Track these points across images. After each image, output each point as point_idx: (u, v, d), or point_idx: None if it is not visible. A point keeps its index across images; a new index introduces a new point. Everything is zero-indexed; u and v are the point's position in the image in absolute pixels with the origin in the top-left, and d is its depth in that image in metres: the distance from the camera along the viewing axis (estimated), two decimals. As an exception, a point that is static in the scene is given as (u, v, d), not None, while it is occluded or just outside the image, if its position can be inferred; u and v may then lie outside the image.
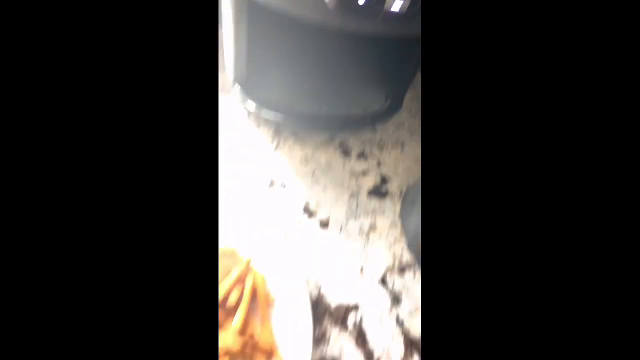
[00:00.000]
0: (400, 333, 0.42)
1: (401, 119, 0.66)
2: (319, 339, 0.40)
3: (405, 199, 0.54)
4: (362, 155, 0.58)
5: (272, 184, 0.51)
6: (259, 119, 0.57)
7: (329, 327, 0.41)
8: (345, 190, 0.53)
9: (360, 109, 0.57)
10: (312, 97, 0.56)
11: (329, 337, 0.41)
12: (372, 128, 0.62)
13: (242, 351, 0.35)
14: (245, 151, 0.54)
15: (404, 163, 0.59)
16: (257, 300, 0.39)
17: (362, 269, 0.46)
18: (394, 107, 0.60)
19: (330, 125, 0.57)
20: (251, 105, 0.53)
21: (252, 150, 0.54)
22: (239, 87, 0.54)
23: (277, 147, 0.55)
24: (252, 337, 0.36)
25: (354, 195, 0.53)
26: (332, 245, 0.47)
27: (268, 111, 0.54)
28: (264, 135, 0.56)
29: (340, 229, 0.49)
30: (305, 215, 0.49)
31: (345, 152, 0.57)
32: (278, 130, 0.57)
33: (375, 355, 0.40)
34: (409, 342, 0.41)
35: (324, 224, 0.49)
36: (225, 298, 0.37)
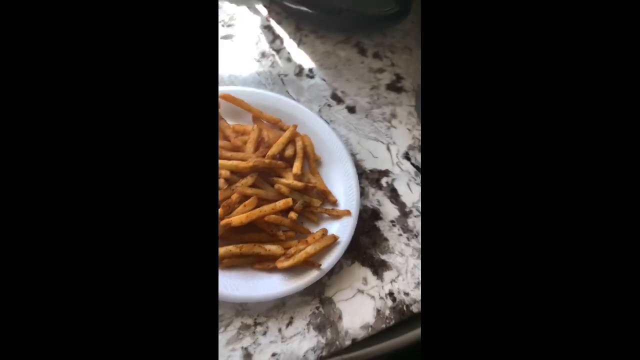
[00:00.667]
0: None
1: (407, 28, 0.70)
2: (360, 193, 0.45)
3: (417, 95, 0.60)
4: (376, 56, 0.62)
5: (300, 72, 0.54)
6: (280, 16, 0.59)
7: (366, 185, 0.47)
8: (366, 83, 0.57)
9: (373, 10, 0.60)
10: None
11: (368, 192, 0.46)
12: (381, 33, 0.66)
13: (304, 190, 0.40)
14: (272, 43, 0.55)
15: (413, 65, 0.64)
16: (307, 158, 0.44)
17: (387, 146, 0.52)
18: (403, 12, 0.64)
19: (346, 24, 0.60)
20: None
21: (277, 43, 0.56)
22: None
23: (300, 42, 0.58)
24: (308, 181, 0.41)
25: (375, 87, 0.57)
26: (361, 126, 0.52)
27: (290, 3, 0.55)
28: (287, 31, 0.58)
29: (366, 115, 0.54)
30: (334, 101, 0.53)
31: (362, 51, 0.61)
32: (299, 27, 0.59)
33: (407, 209, 0.47)
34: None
35: (352, 109, 0.54)
36: (282, 151, 0.41)
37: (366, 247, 0.42)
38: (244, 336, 0.33)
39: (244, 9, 0.57)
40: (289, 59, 0.55)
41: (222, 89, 0.44)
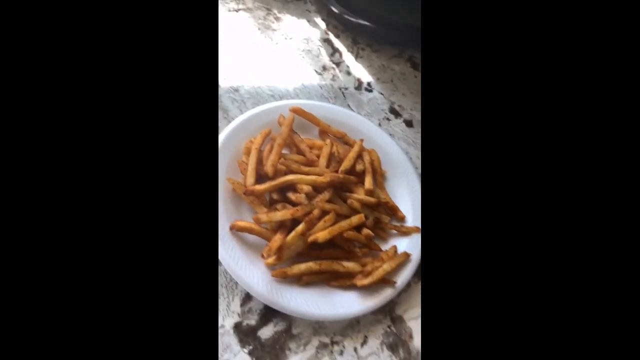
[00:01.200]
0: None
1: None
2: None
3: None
4: (430, 70, 0.62)
5: (359, 85, 0.54)
6: (338, 30, 0.59)
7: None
8: (420, 98, 0.57)
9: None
10: (391, 6, 0.58)
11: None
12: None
13: (374, 206, 0.39)
14: (331, 56, 0.56)
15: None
16: (374, 172, 0.44)
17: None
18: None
19: (402, 38, 0.60)
20: (337, 7, 0.55)
21: (336, 56, 0.56)
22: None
23: (357, 56, 0.58)
24: (379, 197, 0.41)
25: (429, 102, 0.57)
26: (419, 140, 0.52)
27: (350, 16, 0.56)
28: (344, 44, 0.58)
29: (422, 129, 0.54)
30: (393, 115, 0.53)
31: (414, 66, 0.61)
32: (355, 41, 0.59)
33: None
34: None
35: (409, 123, 0.53)
36: (353, 166, 0.41)
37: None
38: (322, 355, 0.33)
39: (303, 22, 0.58)
40: (349, 73, 0.55)
41: (291, 102, 0.44)
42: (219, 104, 0.44)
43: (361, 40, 0.60)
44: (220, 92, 0.45)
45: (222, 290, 0.33)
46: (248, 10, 0.55)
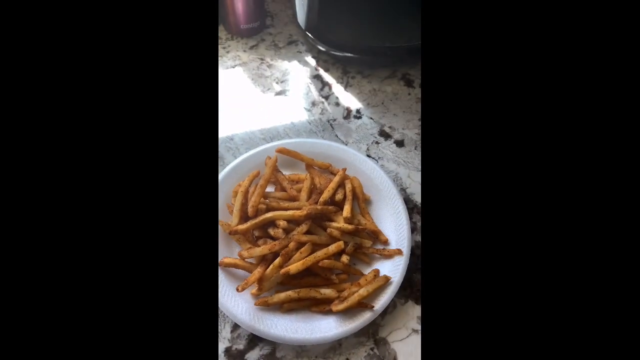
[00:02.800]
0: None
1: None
2: (412, 229, 0.45)
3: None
4: (425, 85, 0.62)
5: (348, 114, 0.57)
6: (328, 63, 0.63)
7: (418, 220, 0.47)
8: (414, 115, 0.58)
9: (418, 41, 0.60)
10: (374, 35, 0.60)
11: (419, 227, 0.46)
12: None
13: (354, 232, 0.42)
14: (321, 91, 0.60)
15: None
16: (357, 199, 0.46)
17: (440, 177, 0.51)
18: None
19: (393, 60, 0.61)
20: (322, 46, 0.60)
21: (326, 90, 0.60)
22: (310, 34, 0.60)
23: (347, 85, 0.61)
24: (359, 223, 0.43)
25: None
26: (410, 159, 0.53)
27: (336, 52, 0.60)
28: (334, 76, 0.62)
29: (415, 146, 0.54)
30: (382, 138, 0.55)
31: (408, 83, 0.62)
32: (346, 70, 0.63)
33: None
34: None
35: (400, 143, 0.55)
36: (332, 196, 0.44)
37: (420, 285, 0.42)
38: (304, 375, 0.36)
39: (294, 63, 0.63)
40: (337, 104, 0.59)
41: (278, 143, 0.50)
42: (217, 153, 0.52)
43: (351, 69, 0.63)
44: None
45: (216, 317, 0.39)
46: (243, 64, 0.62)
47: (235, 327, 0.38)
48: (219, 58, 0.63)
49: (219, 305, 0.37)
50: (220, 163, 0.50)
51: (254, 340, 0.38)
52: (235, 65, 0.62)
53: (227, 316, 0.38)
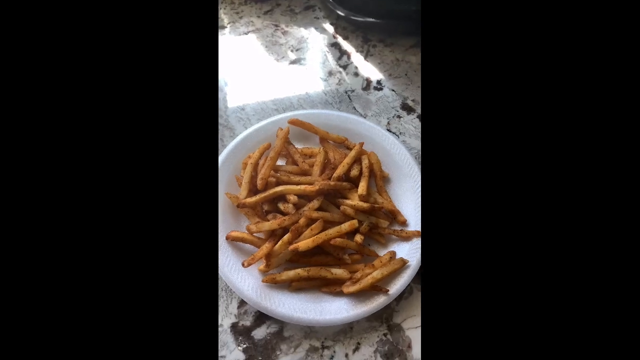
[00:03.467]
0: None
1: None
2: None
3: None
4: (453, 55, 0.57)
5: (368, 85, 0.53)
6: (347, 31, 0.59)
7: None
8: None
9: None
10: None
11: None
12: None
13: (370, 211, 0.39)
14: (338, 60, 0.56)
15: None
16: (374, 176, 0.43)
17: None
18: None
19: (416, 27, 0.56)
20: (342, 11, 0.55)
21: (344, 59, 0.56)
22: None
23: (367, 54, 0.57)
24: (375, 202, 0.40)
25: (450, 91, 0.53)
26: (434, 136, 0.49)
27: (357, 17, 0.55)
28: (353, 45, 0.58)
29: (440, 122, 0.50)
30: (404, 112, 0.51)
31: (436, 54, 0.57)
32: (366, 39, 0.58)
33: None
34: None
35: (424, 118, 0.50)
36: (347, 171, 0.41)
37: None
38: (312, 358, 0.34)
39: (311, 30, 0.59)
40: (356, 74, 0.55)
41: (290, 114, 0.46)
42: (227, 123, 0.49)
43: (373, 37, 0.58)
44: (228, 112, 0.50)
45: (222, 293, 0.37)
46: (257, 30, 0.58)
47: (242, 303, 0.37)
48: (232, 23, 0.59)
49: (225, 280, 0.36)
50: (230, 134, 0.48)
51: (261, 317, 0.36)
52: (249, 32, 0.58)
53: (234, 292, 0.36)
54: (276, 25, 0.59)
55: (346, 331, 0.36)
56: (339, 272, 0.36)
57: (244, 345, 0.35)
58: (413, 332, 0.36)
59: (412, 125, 0.50)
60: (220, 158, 0.42)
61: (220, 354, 0.34)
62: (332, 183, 0.39)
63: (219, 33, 0.57)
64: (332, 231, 0.37)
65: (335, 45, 0.58)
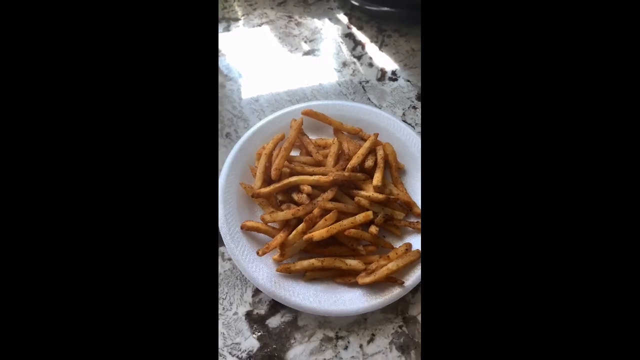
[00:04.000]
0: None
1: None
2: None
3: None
4: (471, 45, 0.55)
5: (383, 76, 0.52)
6: (361, 21, 0.58)
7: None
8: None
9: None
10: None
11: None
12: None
13: (385, 202, 0.38)
14: (353, 50, 0.55)
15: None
16: (389, 167, 0.42)
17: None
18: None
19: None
20: (356, 1, 0.54)
21: (358, 50, 0.55)
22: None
23: (382, 45, 0.56)
24: (390, 193, 0.40)
25: (468, 81, 0.51)
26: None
27: (372, 6, 0.54)
28: (368, 35, 0.57)
29: (457, 113, 0.49)
30: (419, 102, 0.50)
31: (453, 43, 0.55)
32: (381, 29, 0.57)
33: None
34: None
35: (440, 109, 0.49)
36: (362, 162, 0.41)
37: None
38: (326, 348, 0.34)
39: (325, 21, 0.58)
40: (371, 64, 0.54)
41: (304, 105, 0.46)
42: (241, 114, 0.49)
43: (387, 27, 0.57)
44: (242, 104, 0.50)
45: (236, 282, 0.38)
46: (270, 22, 0.58)
47: (257, 291, 0.37)
48: (245, 16, 0.59)
49: (240, 269, 0.36)
50: (244, 125, 0.48)
51: (276, 306, 0.36)
52: (262, 24, 0.58)
53: (249, 281, 0.37)
54: (290, 17, 0.59)
55: (360, 322, 0.36)
56: (353, 263, 0.36)
57: (259, 333, 0.35)
58: (429, 324, 0.36)
59: (428, 116, 0.49)
60: (235, 149, 0.42)
61: (235, 340, 0.35)
62: (346, 174, 0.39)
63: (233, 25, 0.57)
64: (346, 222, 0.36)
65: (349, 36, 0.57)
